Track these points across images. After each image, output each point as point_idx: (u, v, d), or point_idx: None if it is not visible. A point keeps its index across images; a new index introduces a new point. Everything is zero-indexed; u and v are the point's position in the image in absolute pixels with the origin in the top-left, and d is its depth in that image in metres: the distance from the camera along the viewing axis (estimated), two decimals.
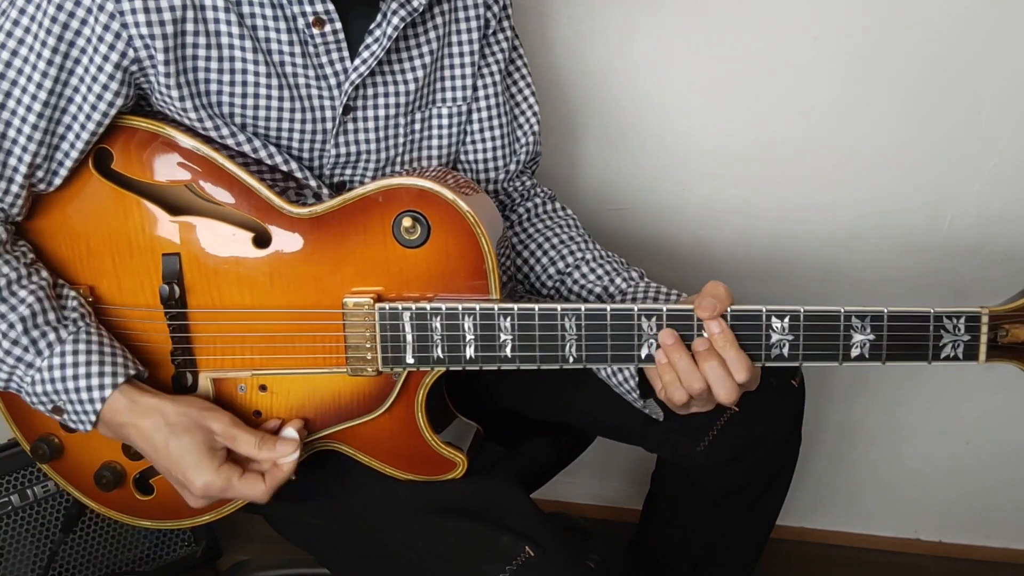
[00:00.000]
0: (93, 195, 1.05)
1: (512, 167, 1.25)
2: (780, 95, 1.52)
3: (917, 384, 1.72)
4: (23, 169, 1.00)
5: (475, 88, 1.19)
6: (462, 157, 1.23)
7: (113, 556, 1.67)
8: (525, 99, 1.26)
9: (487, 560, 1.03)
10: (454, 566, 1.06)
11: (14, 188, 1.00)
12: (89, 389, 0.99)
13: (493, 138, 1.22)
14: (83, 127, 1.00)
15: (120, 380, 1.00)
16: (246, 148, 1.05)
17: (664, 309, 0.97)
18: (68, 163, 1.02)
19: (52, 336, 1.00)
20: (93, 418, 1.00)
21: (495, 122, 1.21)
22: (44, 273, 1.03)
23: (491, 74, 1.20)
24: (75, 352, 0.99)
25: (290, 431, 1.05)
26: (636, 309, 0.97)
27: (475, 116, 1.21)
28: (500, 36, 1.21)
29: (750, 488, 1.30)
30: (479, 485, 1.10)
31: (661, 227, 1.65)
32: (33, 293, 1.00)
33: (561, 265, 1.20)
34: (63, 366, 0.99)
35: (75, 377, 0.99)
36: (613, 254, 1.22)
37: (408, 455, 1.08)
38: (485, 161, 1.23)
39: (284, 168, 1.07)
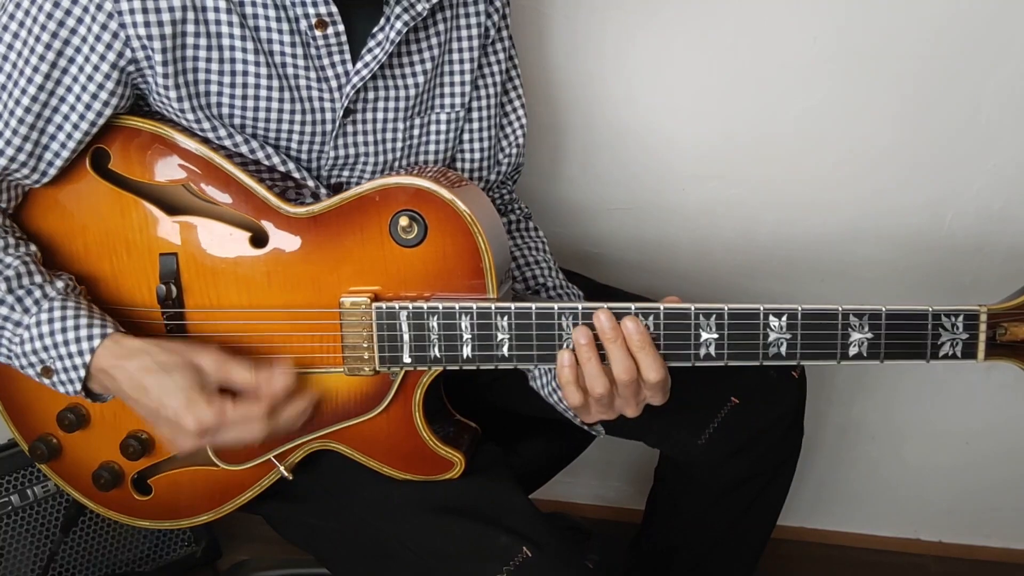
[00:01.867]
0: (90, 195, 1.05)
1: (492, 177, 1.25)
2: (780, 95, 1.52)
3: (917, 384, 1.72)
4: (2, 161, 1.00)
5: (471, 97, 1.20)
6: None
7: (113, 556, 1.67)
8: (514, 110, 1.26)
9: (485, 560, 1.03)
10: (452, 566, 1.06)
11: None
12: (78, 340, 0.98)
13: (482, 148, 1.22)
14: (76, 126, 1.00)
15: (108, 331, 0.99)
16: (243, 149, 1.05)
17: (661, 308, 0.97)
18: (59, 161, 1.02)
19: (38, 293, 1.00)
20: (83, 373, 0.99)
21: (485, 133, 1.22)
22: (33, 247, 1.03)
23: (485, 86, 1.21)
24: (64, 307, 0.99)
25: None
26: (633, 308, 0.97)
27: (467, 125, 1.21)
28: (499, 46, 1.21)
29: (753, 482, 1.30)
30: (477, 485, 1.10)
31: (661, 227, 1.65)
32: (19, 259, 1.00)
33: (521, 286, 1.21)
34: (51, 320, 0.98)
35: (63, 330, 0.98)
36: (572, 286, 1.23)
37: (406, 455, 1.08)
38: (471, 171, 1.23)
39: (282, 168, 1.08)
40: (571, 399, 1.01)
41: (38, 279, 1.01)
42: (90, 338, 0.98)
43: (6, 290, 0.99)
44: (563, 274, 1.26)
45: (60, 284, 1.02)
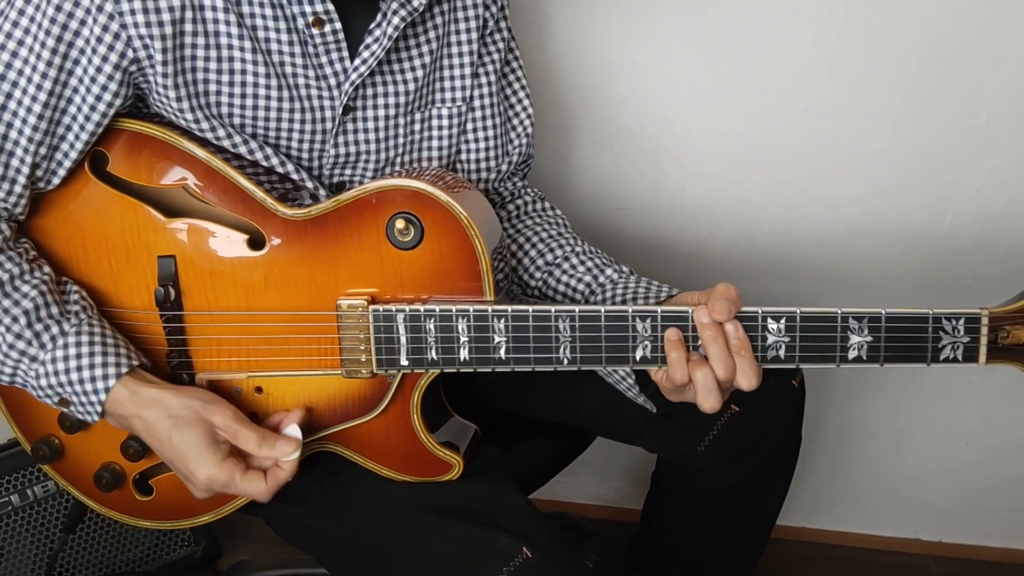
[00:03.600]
0: (89, 198, 1.05)
1: (504, 168, 1.25)
2: (780, 95, 1.52)
3: (918, 384, 1.72)
4: (25, 169, 1.00)
5: (472, 88, 1.19)
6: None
7: (113, 556, 1.67)
8: (519, 100, 1.26)
9: (485, 561, 1.03)
10: (452, 567, 1.06)
11: (17, 188, 1.01)
12: (93, 380, 0.99)
13: (487, 139, 1.22)
14: (82, 127, 1.00)
15: (123, 371, 1.00)
16: (242, 149, 1.05)
17: (659, 311, 0.96)
18: (67, 163, 1.02)
19: (55, 329, 1.00)
20: (99, 409, 1.00)
21: (489, 123, 1.21)
22: (46, 268, 1.03)
23: (486, 74, 1.20)
24: (78, 344, 0.99)
25: (292, 428, 1.04)
26: (631, 311, 0.97)
27: (469, 116, 1.20)
28: (497, 36, 1.21)
29: (750, 488, 1.30)
30: (476, 486, 1.10)
31: (661, 227, 1.65)
32: (36, 288, 1.00)
33: (549, 257, 1.20)
34: (66, 358, 0.99)
35: (79, 369, 0.99)
36: (602, 251, 1.22)
37: (404, 456, 1.08)
38: (477, 161, 1.22)
39: (281, 169, 1.07)
40: (679, 376, 0.97)
41: (55, 311, 1.01)
42: (105, 377, 0.99)
43: (25, 324, 0.99)
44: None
45: (75, 309, 1.02)
